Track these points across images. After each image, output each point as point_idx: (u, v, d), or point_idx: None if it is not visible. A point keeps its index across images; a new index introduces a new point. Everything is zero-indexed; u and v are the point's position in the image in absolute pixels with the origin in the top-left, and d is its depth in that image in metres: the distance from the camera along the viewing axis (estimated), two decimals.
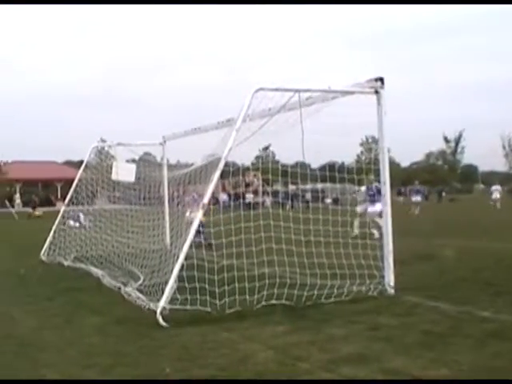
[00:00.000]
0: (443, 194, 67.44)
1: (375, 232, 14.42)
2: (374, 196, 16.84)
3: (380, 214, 16.12)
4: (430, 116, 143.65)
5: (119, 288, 9.14)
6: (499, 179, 62.86)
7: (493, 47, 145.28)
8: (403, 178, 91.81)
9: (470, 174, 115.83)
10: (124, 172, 13.60)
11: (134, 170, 13.94)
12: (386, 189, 8.61)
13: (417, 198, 37.65)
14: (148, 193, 13.72)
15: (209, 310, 7.15)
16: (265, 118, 8.61)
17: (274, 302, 7.58)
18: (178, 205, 13.14)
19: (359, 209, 17.11)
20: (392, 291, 8.44)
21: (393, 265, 8.55)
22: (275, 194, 23.31)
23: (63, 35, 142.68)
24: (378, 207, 16.20)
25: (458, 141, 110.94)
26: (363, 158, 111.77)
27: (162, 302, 7.07)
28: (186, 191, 13.00)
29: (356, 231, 14.58)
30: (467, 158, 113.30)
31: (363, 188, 17.50)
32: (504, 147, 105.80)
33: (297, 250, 8.83)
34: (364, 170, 9.08)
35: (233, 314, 7.16)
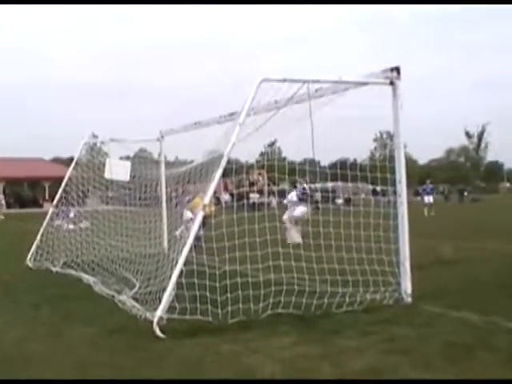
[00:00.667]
0: (465, 193, 67.31)
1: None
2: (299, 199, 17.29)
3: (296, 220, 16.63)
4: (450, 109, 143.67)
5: (112, 296, 9.17)
6: None
7: None
8: (421, 176, 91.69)
9: (495, 171, 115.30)
10: (118, 170, 13.63)
11: (128, 167, 13.98)
12: (402, 188, 8.60)
13: (429, 199, 37.71)
14: (144, 193, 13.74)
15: (210, 319, 7.18)
16: (271, 112, 8.63)
17: (280, 311, 7.60)
18: (176, 206, 13.19)
19: (287, 216, 17.27)
20: (409, 299, 8.44)
21: (410, 271, 8.55)
22: (282, 193, 23.32)
23: (56, 25, 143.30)
24: (297, 211, 16.86)
25: (481, 136, 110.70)
26: (377, 154, 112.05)
27: (159, 312, 7.10)
28: (185, 191, 13.04)
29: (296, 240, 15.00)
30: (491, 154, 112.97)
31: (293, 192, 17.67)
32: None
33: (305, 255, 8.84)
34: (378, 167, 9.07)
35: (236, 325, 7.18)
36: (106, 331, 7.29)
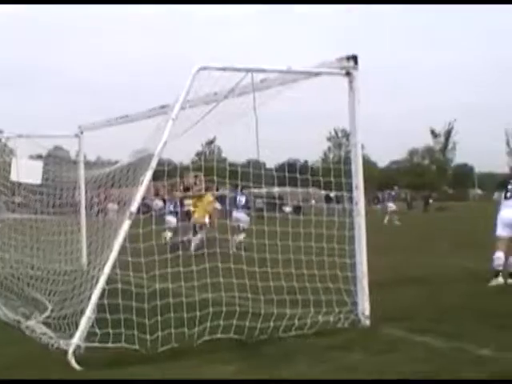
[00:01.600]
0: (430, 201, 68.84)
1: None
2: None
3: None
4: (413, 104, 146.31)
5: (18, 321, 8.98)
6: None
7: (492, 21, 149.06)
8: (381, 180, 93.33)
9: (464, 176, 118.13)
10: (27, 171, 13.41)
11: (40, 168, 13.77)
12: (359, 194, 8.73)
13: (392, 206, 39.95)
14: (59, 198, 13.54)
15: (137, 347, 7.12)
16: (209, 105, 8.64)
17: (219, 336, 7.61)
18: (98, 214, 13.04)
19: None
20: (367, 322, 8.57)
21: (368, 289, 8.69)
22: (221, 199, 23.43)
23: None
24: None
25: (448, 135, 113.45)
26: (331, 155, 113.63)
27: (76, 339, 7.00)
28: (109, 196, 12.91)
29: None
30: (460, 156, 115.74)
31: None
32: (508, 143, 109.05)
33: (248, 271, 8.88)
34: (332, 170, 9.19)
35: (167, 352, 7.15)
36: (10, 364, 7.11)
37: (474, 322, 8.70)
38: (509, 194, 12.27)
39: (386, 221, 38.47)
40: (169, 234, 21.22)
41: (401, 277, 13.15)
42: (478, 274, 13.33)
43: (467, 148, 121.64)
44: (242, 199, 20.93)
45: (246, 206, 21.13)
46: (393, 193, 43.30)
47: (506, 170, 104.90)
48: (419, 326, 8.41)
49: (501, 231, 12.29)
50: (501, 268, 12.05)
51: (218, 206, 21.95)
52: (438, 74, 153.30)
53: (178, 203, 22.63)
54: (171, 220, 22.12)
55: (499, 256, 12.05)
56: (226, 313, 8.00)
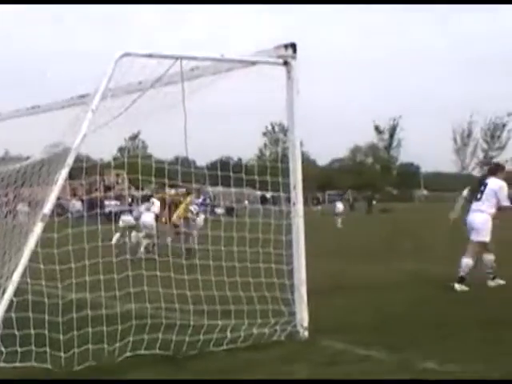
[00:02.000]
0: (374, 202, 70.04)
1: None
2: None
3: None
4: (356, 98, 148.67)
5: None
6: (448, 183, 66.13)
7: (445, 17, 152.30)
8: (321, 180, 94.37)
9: (410, 175, 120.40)
10: None
11: None
12: (298, 195, 8.75)
13: (340, 207, 41.20)
14: None
15: (49, 366, 6.98)
16: (133, 95, 8.53)
17: (143, 352, 7.53)
18: (6, 215, 12.73)
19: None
20: (306, 334, 8.61)
21: (306, 298, 8.72)
22: (146, 200, 23.42)
23: None
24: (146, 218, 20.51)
25: (393, 131, 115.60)
26: (267, 152, 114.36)
27: None
28: (19, 196, 12.63)
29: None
30: (405, 154, 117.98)
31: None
32: (455, 141, 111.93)
33: (176, 278, 8.81)
34: (268, 169, 9.20)
35: (85, 371, 7.02)
36: None
37: (417, 331, 8.87)
38: (479, 196, 12.59)
39: (339, 224, 39.27)
40: (133, 234, 21.57)
41: (342, 283, 13.28)
42: (422, 279, 13.64)
43: (413, 146, 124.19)
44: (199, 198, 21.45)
45: (204, 205, 21.18)
46: (346, 196, 44.55)
47: (453, 170, 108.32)
48: (361, 337, 8.49)
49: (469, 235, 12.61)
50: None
51: (194, 208, 21.72)
52: (384, 67, 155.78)
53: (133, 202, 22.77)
54: (128, 219, 22.12)
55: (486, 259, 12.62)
56: (150, 325, 7.93)
